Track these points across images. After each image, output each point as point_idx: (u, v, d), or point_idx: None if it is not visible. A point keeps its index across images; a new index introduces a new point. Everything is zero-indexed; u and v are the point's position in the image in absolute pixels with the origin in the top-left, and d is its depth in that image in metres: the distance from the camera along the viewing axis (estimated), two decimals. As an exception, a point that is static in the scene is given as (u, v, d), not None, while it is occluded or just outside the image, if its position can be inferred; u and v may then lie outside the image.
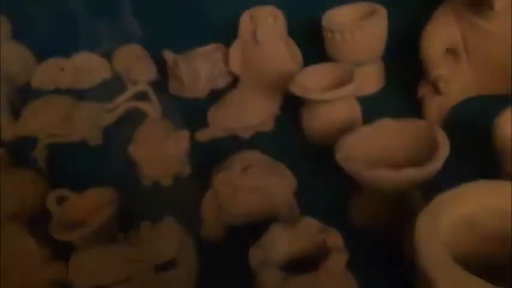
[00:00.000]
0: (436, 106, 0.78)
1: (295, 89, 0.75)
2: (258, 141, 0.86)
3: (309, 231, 0.50)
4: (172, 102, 1.00)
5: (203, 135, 0.87)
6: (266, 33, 0.94)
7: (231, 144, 0.85)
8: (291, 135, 0.85)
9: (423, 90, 0.80)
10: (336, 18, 0.89)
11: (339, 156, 0.59)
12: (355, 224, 0.63)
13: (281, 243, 0.50)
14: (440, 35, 0.80)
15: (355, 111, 0.78)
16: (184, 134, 0.76)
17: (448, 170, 0.58)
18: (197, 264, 0.59)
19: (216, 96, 1.00)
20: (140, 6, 1.12)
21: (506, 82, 0.80)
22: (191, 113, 0.96)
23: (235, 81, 1.03)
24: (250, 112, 0.88)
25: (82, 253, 0.53)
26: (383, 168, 0.55)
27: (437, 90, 0.77)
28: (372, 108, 0.87)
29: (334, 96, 0.72)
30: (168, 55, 1.02)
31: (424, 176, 0.55)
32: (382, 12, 0.86)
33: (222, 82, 1.04)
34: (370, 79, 0.91)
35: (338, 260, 0.45)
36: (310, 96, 0.74)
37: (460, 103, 0.82)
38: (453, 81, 0.81)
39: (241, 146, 0.80)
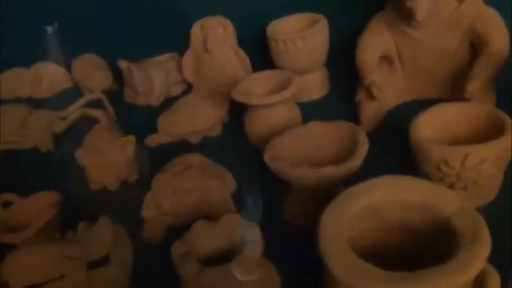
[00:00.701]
0: (371, 110, 0.82)
1: (236, 95, 0.79)
2: (206, 146, 0.89)
3: (230, 227, 0.53)
4: (126, 110, 1.03)
5: (153, 141, 0.90)
6: (216, 43, 0.98)
7: (180, 149, 0.88)
8: (237, 140, 0.88)
9: (359, 96, 0.85)
10: (280, 28, 0.94)
11: (266, 156, 0.63)
12: (287, 219, 0.67)
13: (204, 238, 0.53)
14: (374, 44, 0.84)
15: (294, 115, 0.82)
16: (130, 140, 0.79)
17: (377, 169, 0.62)
18: (132, 263, 0.61)
19: (170, 103, 1.03)
20: (99, 16, 1.15)
21: (437, 87, 0.86)
22: (144, 119, 0.99)
23: (189, 89, 1.07)
24: (199, 118, 0.91)
25: (16, 253, 0.56)
26: (305, 166, 0.59)
27: (371, 96, 0.82)
28: (315, 113, 0.91)
29: (271, 101, 0.76)
30: (123, 64, 1.05)
31: (344, 173, 0.59)
32: (323, 22, 0.91)
33: (176, 90, 1.07)
34: (314, 86, 0.95)
35: (252, 252, 0.48)
36: (249, 102, 0.78)
37: (394, 107, 0.87)
38: (388, 87, 0.87)
39: (190, 151, 0.84)
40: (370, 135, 0.66)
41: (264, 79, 0.84)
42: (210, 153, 0.81)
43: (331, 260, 0.43)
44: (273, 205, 0.70)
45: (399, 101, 0.88)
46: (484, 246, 0.42)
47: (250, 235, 0.51)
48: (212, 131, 0.90)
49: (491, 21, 0.78)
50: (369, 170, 0.59)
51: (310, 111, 0.92)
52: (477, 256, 0.41)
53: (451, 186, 0.60)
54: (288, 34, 0.91)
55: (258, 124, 0.81)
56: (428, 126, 0.63)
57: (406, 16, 0.79)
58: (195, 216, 0.67)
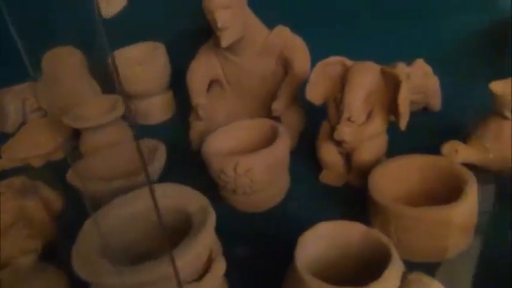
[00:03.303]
0: (198, 130, 0.90)
1: (65, 120, 0.84)
2: (49, 169, 0.93)
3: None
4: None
5: (-5, 167, 0.92)
6: (65, 71, 1.03)
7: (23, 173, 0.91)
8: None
9: (191, 116, 0.93)
10: (123, 56, 1.00)
11: (68, 175, 0.68)
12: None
13: None
14: (201, 69, 0.93)
15: (125, 135, 0.88)
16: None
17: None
18: None
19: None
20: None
21: (261, 108, 0.95)
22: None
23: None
24: (42, 143, 0.95)
25: None
26: (100, 182, 0.65)
27: (198, 116, 0.90)
28: (160, 134, 0.99)
29: (91, 124, 0.82)
30: (-23, 94, 1.07)
31: (134, 185, 0.66)
32: (162, 49, 0.99)
33: (33, 117, 1.10)
34: (159, 108, 1.02)
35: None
36: (75, 125, 0.83)
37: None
38: (219, 108, 0.95)
39: (33, 175, 0.87)
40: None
41: (96, 104, 0.90)
42: (52, 177, 0.85)
43: (77, 263, 0.48)
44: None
45: (230, 121, 0.96)
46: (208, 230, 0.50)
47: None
48: (55, 155, 0.94)
49: (295, 48, 0.89)
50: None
51: (155, 133, 0.99)
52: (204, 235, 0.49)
53: (234, 191, 0.69)
54: (128, 61, 0.98)
55: (90, 146, 0.86)
56: (217, 141, 0.72)
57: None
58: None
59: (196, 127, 0.90)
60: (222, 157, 0.67)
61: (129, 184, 0.65)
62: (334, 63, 0.74)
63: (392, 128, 0.83)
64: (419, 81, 0.86)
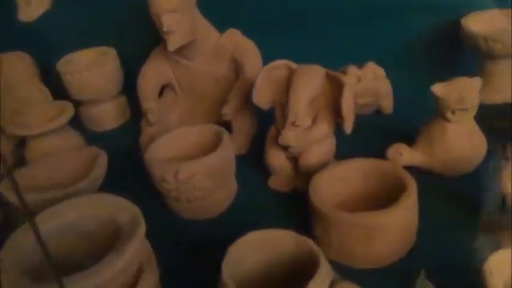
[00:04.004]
0: (149, 135, 0.88)
1: (8, 128, 0.82)
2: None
3: None
4: None
5: None
6: (15, 76, 1.00)
7: None
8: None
9: (142, 122, 0.91)
10: (73, 61, 0.98)
11: (1, 185, 0.65)
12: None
13: None
14: (152, 73, 0.91)
15: (73, 142, 0.85)
16: None
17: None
18: None
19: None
20: None
21: (215, 111, 0.93)
22: None
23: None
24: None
25: None
26: (35, 192, 0.63)
27: (148, 121, 0.88)
28: (112, 140, 0.97)
29: (36, 132, 0.80)
30: None
31: (73, 194, 0.64)
32: (112, 54, 0.97)
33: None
34: (111, 114, 1.00)
35: None
36: (18, 133, 0.81)
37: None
38: (172, 112, 0.94)
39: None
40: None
41: (44, 110, 0.87)
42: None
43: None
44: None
45: (185, 124, 0.94)
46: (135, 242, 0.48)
47: None
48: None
49: (246, 51, 0.88)
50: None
51: (105, 139, 0.97)
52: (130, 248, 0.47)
53: (177, 199, 0.67)
54: (76, 66, 0.95)
55: (34, 154, 0.83)
56: (160, 148, 0.70)
57: (178, 48, 0.87)
58: None
59: (147, 132, 0.88)
60: (163, 164, 0.65)
61: (66, 194, 0.62)
62: (279, 66, 0.73)
63: (343, 131, 0.83)
64: (371, 84, 0.86)
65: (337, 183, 0.63)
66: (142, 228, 0.50)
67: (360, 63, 0.88)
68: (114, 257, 0.47)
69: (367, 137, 0.85)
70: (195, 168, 0.64)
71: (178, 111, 0.94)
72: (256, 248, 0.47)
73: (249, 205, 0.73)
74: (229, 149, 0.68)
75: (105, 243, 0.54)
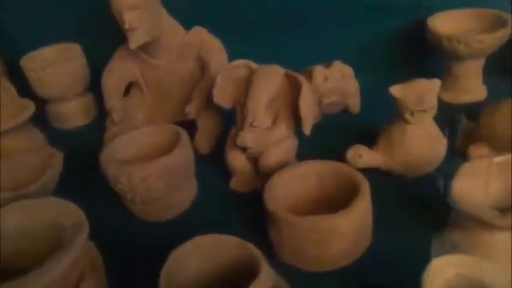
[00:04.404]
0: (113, 133, 0.86)
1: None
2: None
3: None
4: None
5: None
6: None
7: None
8: None
9: (107, 120, 0.89)
10: (37, 57, 0.96)
11: None
12: None
13: None
14: (117, 71, 0.89)
15: (35, 140, 0.84)
16: None
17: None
18: None
19: None
20: None
21: (182, 110, 0.93)
22: None
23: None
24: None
25: None
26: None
27: (111, 120, 0.87)
28: (77, 139, 0.95)
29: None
30: None
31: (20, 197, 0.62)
32: (77, 51, 0.95)
33: None
34: (77, 112, 0.98)
35: None
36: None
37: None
38: (138, 110, 0.92)
39: None
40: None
41: (5, 108, 0.85)
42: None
43: None
44: None
45: (151, 122, 0.93)
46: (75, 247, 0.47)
47: None
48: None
49: (211, 49, 0.87)
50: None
51: (70, 137, 0.96)
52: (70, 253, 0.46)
53: (133, 200, 0.66)
54: (39, 63, 0.93)
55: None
56: (116, 149, 0.69)
57: (145, 45, 0.85)
58: None
59: (111, 131, 0.87)
60: (117, 165, 0.64)
61: (16, 196, 0.61)
62: (239, 66, 0.72)
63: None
64: (338, 83, 0.85)
65: (293, 185, 0.63)
66: (83, 233, 0.49)
67: (328, 62, 0.87)
68: (53, 263, 0.46)
69: (333, 136, 0.84)
70: (149, 170, 0.63)
71: (145, 110, 0.93)
72: (199, 254, 0.47)
73: (209, 206, 0.72)
74: (187, 150, 0.67)
75: (51, 247, 0.53)
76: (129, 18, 0.77)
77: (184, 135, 0.69)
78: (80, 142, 0.94)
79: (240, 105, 0.72)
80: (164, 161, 0.64)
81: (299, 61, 0.86)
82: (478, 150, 0.70)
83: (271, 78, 0.68)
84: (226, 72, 0.72)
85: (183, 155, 0.67)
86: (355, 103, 0.89)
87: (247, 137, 0.67)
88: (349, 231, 0.55)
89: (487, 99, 0.88)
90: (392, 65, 0.97)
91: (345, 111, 0.90)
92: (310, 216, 0.55)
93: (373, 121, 0.84)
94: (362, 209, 0.57)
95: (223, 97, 0.74)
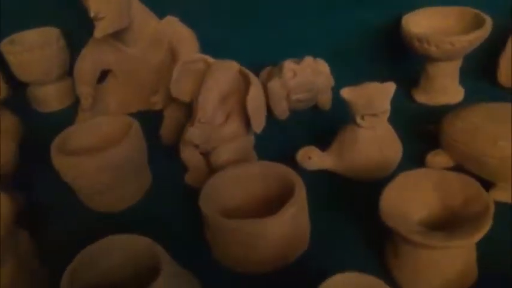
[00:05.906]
0: (83, 119, 0.86)
1: None
2: None
3: None
4: None
5: None
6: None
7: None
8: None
9: (79, 106, 0.90)
10: (16, 41, 0.97)
11: None
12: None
13: None
14: (90, 57, 0.90)
15: (8, 123, 0.86)
16: None
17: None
18: None
19: None
20: None
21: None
22: None
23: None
24: None
25: None
26: None
27: (81, 106, 0.88)
28: (53, 123, 0.96)
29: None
30: None
31: None
32: (56, 35, 0.96)
33: None
34: (55, 96, 1.00)
35: None
36: None
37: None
38: (112, 97, 0.93)
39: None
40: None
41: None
42: None
43: None
44: None
45: (123, 111, 0.93)
46: None
47: None
48: None
49: (182, 39, 0.86)
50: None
51: (49, 122, 0.97)
52: None
53: (79, 192, 0.67)
54: (19, 47, 0.94)
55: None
56: (72, 138, 0.70)
57: (118, 33, 0.85)
58: None
59: (82, 117, 0.88)
60: (62, 156, 0.64)
61: None
62: (196, 60, 0.71)
63: (273, 128, 0.81)
64: (308, 79, 0.84)
65: (236, 186, 0.62)
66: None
67: (300, 58, 0.85)
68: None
69: (297, 134, 0.83)
70: (93, 162, 0.63)
71: (118, 97, 0.94)
72: (108, 252, 0.47)
73: (161, 200, 0.72)
74: (136, 143, 0.67)
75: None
76: (95, 7, 0.77)
77: (135, 127, 0.68)
78: (55, 126, 0.95)
79: (196, 100, 0.72)
80: (109, 154, 0.64)
81: (273, 55, 0.85)
82: (436, 158, 0.68)
83: (223, 74, 0.67)
84: (182, 66, 0.72)
85: (131, 148, 0.66)
86: (326, 100, 0.87)
87: (195, 133, 0.67)
88: (275, 236, 0.54)
89: (463, 101, 0.84)
90: (370, 62, 0.94)
91: (316, 107, 0.88)
92: (238, 219, 0.55)
93: (344, 119, 0.82)
94: (294, 213, 0.55)
95: (180, 91, 0.73)
